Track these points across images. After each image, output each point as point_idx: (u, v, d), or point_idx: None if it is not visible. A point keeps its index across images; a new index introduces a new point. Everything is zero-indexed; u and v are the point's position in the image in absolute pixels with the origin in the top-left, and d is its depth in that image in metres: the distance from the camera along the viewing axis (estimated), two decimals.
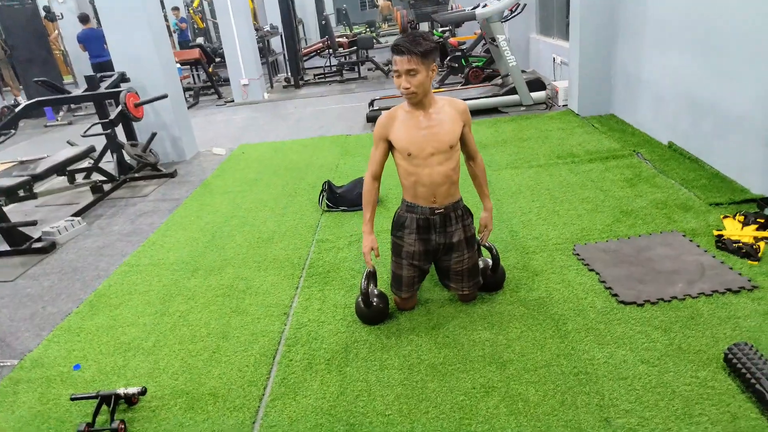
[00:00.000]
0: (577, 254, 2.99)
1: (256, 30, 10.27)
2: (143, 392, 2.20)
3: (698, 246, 2.91)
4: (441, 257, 2.58)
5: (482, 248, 2.71)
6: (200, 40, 13.63)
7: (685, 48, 4.11)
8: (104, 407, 2.18)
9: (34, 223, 3.94)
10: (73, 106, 10.00)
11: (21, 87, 10.35)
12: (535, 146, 4.93)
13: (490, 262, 2.69)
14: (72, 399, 2.24)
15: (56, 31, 12.31)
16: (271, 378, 2.32)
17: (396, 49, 2.22)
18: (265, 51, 10.62)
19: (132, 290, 3.19)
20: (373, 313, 2.55)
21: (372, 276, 2.59)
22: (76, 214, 4.41)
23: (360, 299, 2.55)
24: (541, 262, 2.96)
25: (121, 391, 2.17)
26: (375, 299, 2.55)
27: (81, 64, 11.73)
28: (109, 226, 4.30)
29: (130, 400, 2.21)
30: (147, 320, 2.85)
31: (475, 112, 6.30)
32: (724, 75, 3.67)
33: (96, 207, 4.74)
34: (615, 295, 2.58)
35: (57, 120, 9.44)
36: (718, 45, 3.70)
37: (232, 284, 3.13)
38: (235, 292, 3.04)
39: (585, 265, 2.88)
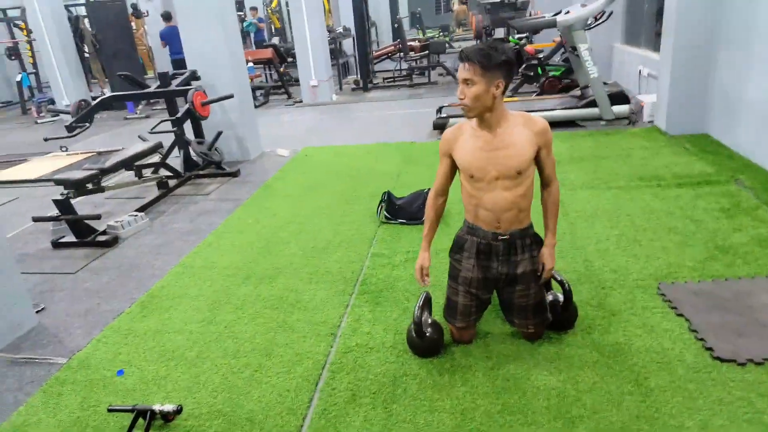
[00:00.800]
0: (663, 294, 2.63)
1: (329, 31, 10.29)
2: (179, 411, 2.09)
3: None
4: (503, 288, 2.32)
5: (553, 281, 2.43)
6: (275, 40, 13.89)
7: None
8: (141, 421, 2.09)
9: (98, 217, 4.00)
10: (152, 100, 10.39)
11: (107, 80, 10.87)
12: (615, 165, 4.53)
13: (560, 297, 2.40)
14: (109, 410, 2.17)
15: (142, 28, 12.88)
16: (311, 407, 2.15)
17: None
18: (336, 52, 10.63)
19: (183, 294, 3.13)
20: (425, 344, 2.33)
21: (427, 303, 2.37)
22: (140, 209, 4.46)
23: (412, 328, 2.33)
24: (620, 301, 2.63)
25: (157, 407, 2.07)
26: (429, 329, 2.33)
27: (163, 60, 12.22)
28: (170, 223, 4.31)
29: (166, 418, 2.11)
30: (194, 328, 2.77)
31: (552, 125, 5.91)
32: None
33: (160, 203, 4.79)
34: (709, 348, 2.22)
35: (136, 113, 9.84)
36: None
37: (282, 296, 3.00)
38: (284, 304, 2.91)
39: (672, 308, 2.52)
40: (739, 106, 4.45)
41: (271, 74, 11.99)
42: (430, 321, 2.36)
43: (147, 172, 5.20)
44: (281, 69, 10.42)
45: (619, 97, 5.77)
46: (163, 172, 5.18)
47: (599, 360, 2.24)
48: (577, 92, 6.28)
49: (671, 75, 5.06)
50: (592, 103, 5.79)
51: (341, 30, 11.61)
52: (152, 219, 4.41)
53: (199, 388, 2.31)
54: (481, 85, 1.99)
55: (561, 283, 2.37)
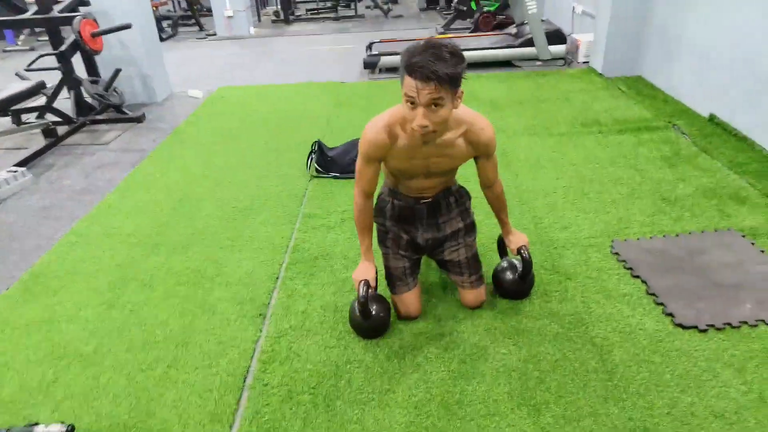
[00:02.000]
0: (617, 253, 2.48)
1: None
2: (70, 431, 1.69)
3: (763, 252, 2.42)
4: (433, 250, 2.13)
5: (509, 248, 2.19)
6: None
7: (750, 4, 3.47)
8: None
9: None
10: (36, 29, 9.00)
11: None
12: (554, 109, 4.34)
13: (517, 264, 2.18)
14: None
15: None
16: (239, 410, 1.82)
17: (415, 69, 1.54)
18: None
19: (77, 269, 2.63)
20: (371, 324, 2.04)
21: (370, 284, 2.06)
22: (21, 164, 3.77)
23: (356, 307, 2.03)
24: (574, 262, 2.45)
25: (41, 429, 1.66)
26: (375, 307, 2.03)
27: None
28: (60, 179, 3.67)
29: None
30: (90, 314, 2.31)
31: (486, 65, 5.64)
32: None
33: (46, 155, 4.08)
34: (670, 314, 2.10)
35: (17, 44, 8.51)
36: None
37: (200, 268, 2.58)
38: (202, 279, 2.50)
39: (627, 269, 2.38)
40: (678, 47, 4.34)
41: (179, 2, 10.75)
42: (375, 295, 2.06)
43: (30, 118, 4.42)
44: None
45: (555, 36, 5.53)
46: (51, 118, 4.42)
47: (559, 333, 2.05)
48: (512, 29, 5.98)
49: (611, 14, 4.84)
50: (529, 42, 5.52)
51: None
52: (37, 175, 3.73)
53: (98, 393, 1.90)
54: (449, 103, 1.62)
55: (519, 251, 2.12)
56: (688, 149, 3.50)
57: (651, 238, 2.58)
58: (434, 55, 1.55)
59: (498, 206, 2.11)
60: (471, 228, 2.14)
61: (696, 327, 2.02)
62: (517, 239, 2.13)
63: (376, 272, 2.02)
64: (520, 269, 2.14)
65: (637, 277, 2.32)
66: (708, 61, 3.93)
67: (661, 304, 2.15)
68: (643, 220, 2.74)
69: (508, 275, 2.20)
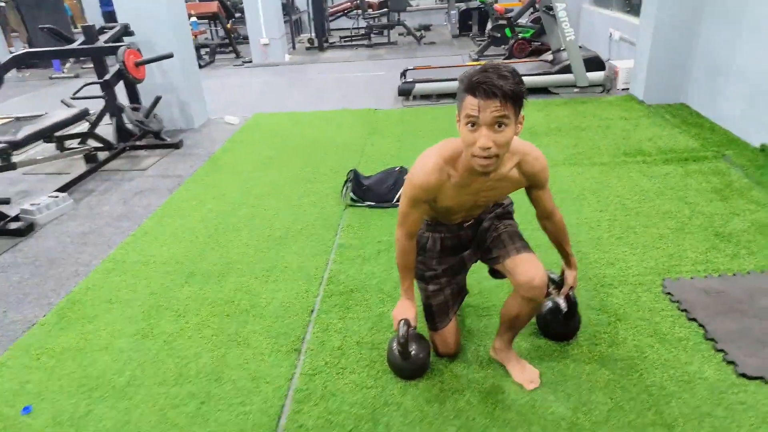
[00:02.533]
0: (669, 293, 2.34)
1: None
2: None
3: None
4: (479, 254, 2.00)
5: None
6: None
7: None
8: None
9: (6, 202, 3.37)
10: (82, 58, 9.36)
11: (28, 33, 9.72)
12: (595, 138, 4.22)
13: (562, 303, 2.04)
14: None
15: None
16: None
17: (477, 86, 1.44)
18: (288, 8, 9.83)
19: (112, 297, 2.62)
20: (410, 365, 1.95)
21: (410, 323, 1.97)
22: (62, 189, 3.84)
23: (395, 347, 1.94)
24: (623, 301, 2.32)
25: None
26: (414, 347, 1.94)
27: (97, 12, 11.05)
28: (99, 205, 3.72)
29: None
30: (125, 344, 2.29)
31: None
32: None
33: (87, 180, 4.16)
34: (732, 362, 1.94)
35: (63, 72, 8.85)
36: None
37: (234, 299, 2.54)
38: (236, 311, 2.46)
39: (682, 311, 2.23)
40: (725, 76, 4.19)
41: (216, 31, 11.07)
42: (414, 335, 1.97)
43: (73, 144, 4.53)
44: (228, 25, 9.56)
45: (593, 63, 5.44)
46: (92, 144, 4.52)
47: (611, 380, 1.92)
48: (548, 56, 5.91)
49: (652, 40, 4.73)
50: (566, 69, 5.44)
51: None
52: (77, 200, 3.80)
53: (130, 430, 1.86)
54: (513, 125, 1.51)
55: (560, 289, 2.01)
56: (739, 181, 3.33)
57: (706, 277, 2.43)
58: (496, 73, 1.46)
59: (560, 237, 1.95)
60: (508, 214, 2.00)
61: (762, 378, 1.87)
62: (572, 276, 2.00)
63: (416, 312, 1.94)
64: (564, 309, 2.01)
65: (694, 320, 2.17)
66: (759, 89, 3.77)
67: (722, 350, 2.00)
68: (695, 258, 2.59)
69: (553, 315, 2.07)
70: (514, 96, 1.45)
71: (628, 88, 5.42)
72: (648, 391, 1.86)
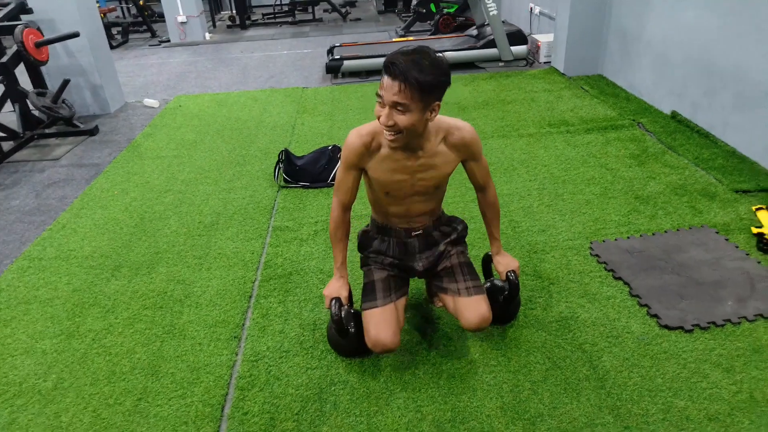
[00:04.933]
0: (597, 255, 2.47)
1: None
2: None
3: (737, 247, 2.45)
4: (427, 274, 1.98)
5: (494, 269, 2.10)
6: None
7: (704, 3, 3.55)
8: None
9: None
10: None
11: None
12: (521, 110, 4.34)
13: (501, 285, 2.01)
14: None
15: None
16: None
17: (388, 67, 1.51)
18: None
19: (30, 297, 2.44)
20: (351, 342, 1.94)
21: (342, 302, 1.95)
22: None
23: (332, 326, 1.92)
24: (555, 266, 2.42)
25: None
26: (353, 324, 1.93)
27: None
28: (7, 200, 3.43)
29: None
30: (48, 345, 2.14)
31: (450, 66, 5.61)
32: (751, 39, 3.15)
33: None
34: (655, 315, 2.08)
35: None
36: (746, 2, 3.16)
37: (166, 290, 2.43)
38: (169, 301, 2.35)
39: (609, 270, 2.36)
40: (637, 47, 4.41)
41: (128, 8, 10.38)
42: (351, 312, 1.95)
43: None
44: (141, 2, 8.98)
45: (517, 37, 5.56)
46: None
47: (547, 340, 2.01)
48: (473, 31, 5.99)
49: (570, 15, 4.90)
50: (491, 43, 5.54)
51: None
52: None
53: None
54: (417, 112, 1.53)
55: (507, 274, 1.97)
56: (654, 147, 3.55)
57: (628, 238, 2.58)
58: (412, 61, 1.49)
59: (490, 215, 1.98)
60: (461, 239, 2.01)
61: (682, 328, 2.01)
62: (506, 261, 1.97)
63: (350, 290, 1.93)
64: (506, 289, 1.99)
65: (619, 278, 2.30)
66: (666, 60, 4.01)
67: (646, 305, 2.14)
68: (618, 220, 2.74)
69: (495, 298, 2.00)
70: (420, 86, 1.49)
71: (549, 62, 5.61)
72: (581, 348, 1.96)
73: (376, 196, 1.85)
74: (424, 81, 1.49)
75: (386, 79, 1.52)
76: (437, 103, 1.58)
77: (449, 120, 1.76)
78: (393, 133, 1.58)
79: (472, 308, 1.81)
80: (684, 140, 3.58)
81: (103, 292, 2.44)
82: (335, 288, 1.88)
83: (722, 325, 2.01)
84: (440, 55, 1.56)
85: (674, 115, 3.92)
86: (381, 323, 1.80)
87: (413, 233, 1.91)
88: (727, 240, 2.51)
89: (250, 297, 2.36)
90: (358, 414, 1.75)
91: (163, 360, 2.03)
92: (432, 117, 1.61)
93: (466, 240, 2.05)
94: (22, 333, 2.21)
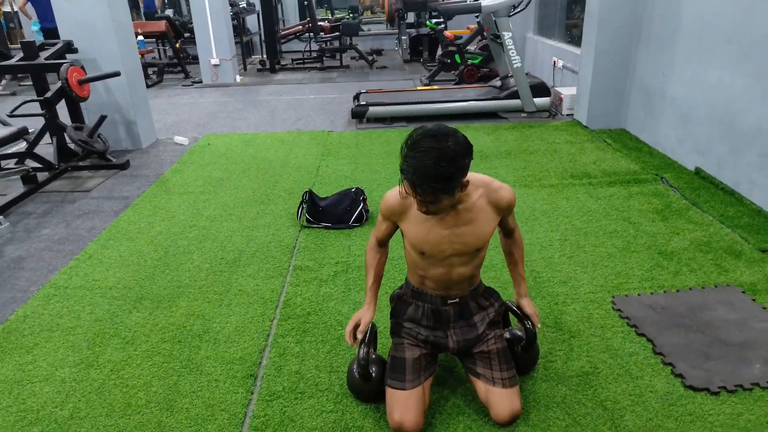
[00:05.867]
0: (619, 310, 2.43)
1: (231, 5, 9.42)
2: None
3: (764, 308, 2.39)
4: (462, 354, 1.93)
5: (512, 316, 2.09)
6: (169, 12, 12.64)
7: (727, 64, 3.60)
8: None
9: None
10: (20, 75, 8.95)
11: None
12: (543, 161, 4.38)
13: (519, 334, 2.01)
14: None
15: None
16: None
17: (404, 173, 1.52)
18: (239, 29, 9.78)
19: (53, 325, 2.47)
20: (371, 387, 1.92)
21: (371, 336, 1.96)
22: None
23: (355, 368, 1.92)
24: (576, 319, 2.39)
25: None
26: (374, 369, 1.92)
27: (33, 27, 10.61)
28: (38, 228, 3.53)
29: None
30: (67, 374, 2.15)
31: (472, 116, 5.73)
32: None
33: (25, 202, 3.94)
34: (679, 375, 2.03)
35: None
36: None
37: (185, 324, 2.45)
38: (188, 336, 2.37)
39: (631, 326, 2.32)
40: (661, 103, 4.46)
41: (165, 50, 10.86)
42: (374, 357, 1.95)
43: (9, 164, 4.29)
44: (177, 45, 9.39)
45: (540, 89, 5.66)
46: (31, 164, 4.29)
47: (567, 395, 1.96)
48: (497, 82, 6.12)
49: (593, 69, 5.00)
50: (514, 94, 5.64)
51: (245, 5, 10.71)
52: (14, 223, 3.59)
53: None
54: (446, 199, 1.56)
55: (523, 320, 1.97)
56: (678, 203, 3.53)
57: (652, 293, 2.54)
58: (428, 168, 1.46)
59: (517, 254, 1.98)
60: (499, 321, 1.97)
61: (708, 389, 1.95)
62: (530, 304, 1.99)
63: (372, 319, 1.90)
64: (523, 338, 1.97)
65: (642, 335, 2.26)
66: (690, 117, 4.04)
67: (670, 364, 2.09)
68: (641, 275, 2.71)
69: (512, 348, 1.97)
70: (440, 190, 1.50)
71: (572, 114, 5.68)
72: (603, 405, 1.91)
73: (412, 257, 1.83)
74: (446, 187, 1.50)
75: (408, 186, 1.53)
76: (466, 180, 1.58)
77: (486, 178, 1.76)
78: (428, 213, 1.63)
79: (506, 402, 1.78)
80: (708, 197, 3.56)
81: (124, 323, 2.47)
82: (360, 312, 1.89)
83: (750, 389, 1.95)
84: (454, 134, 1.52)
85: (698, 172, 3.92)
86: (406, 407, 1.76)
87: (449, 301, 1.86)
88: (754, 300, 2.45)
89: (268, 335, 2.36)
90: None
91: (179, 395, 2.02)
92: (464, 190, 1.61)
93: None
94: (43, 360, 2.24)
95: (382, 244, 1.94)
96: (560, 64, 6.71)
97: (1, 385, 2.10)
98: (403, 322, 1.93)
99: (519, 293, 2.02)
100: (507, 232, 1.96)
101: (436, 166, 1.46)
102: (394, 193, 1.75)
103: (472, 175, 1.68)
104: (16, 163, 4.30)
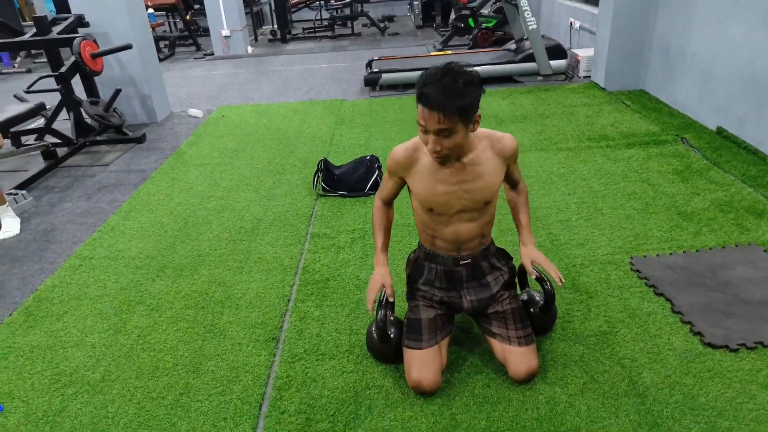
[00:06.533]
0: (637, 270, 2.43)
1: None
2: None
3: None
4: (477, 314, 1.95)
5: (529, 278, 2.09)
6: None
7: (749, 18, 3.48)
8: None
9: None
10: (33, 51, 9.00)
11: None
12: (560, 124, 4.32)
13: (537, 297, 2.03)
14: None
15: None
16: None
17: (423, 98, 1.53)
18: (249, 0, 9.66)
19: (81, 294, 2.55)
20: (390, 348, 1.96)
21: (389, 302, 1.98)
22: (21, 186, 3.70)
23: (374, 330, 1.95)
24: (594, 280, 2.39)
25: None
26: (393, 330, 1.95)
27: (44, 5, 10.60)
28: (61, 202, 3.60)
29: None
30: (97, 339, 2.23)
31: (487, 80, 5.63)
32: None
33: (47, 177, 4.01)
34: (698, 333, 2.03)
35: (14, 66, 8.48)
36: None
37: (207, 291, 2.50)
38: (210, 302, 2.42)
39: (650, 286, 2.32)
40: (681, 62, 4.34)
41: (175, 23, 10.79)
42: (393, 319, 1.98)
43: (29, 140, 4.36)
44: (187, 17, 9.33)
45: (556, 51, 5.54)
46: (50, 140, 4.35)
47: (585, 354, 1.98)
48: (512, 45, 6.00)
49: (611, 29, 4.86)
50: (530, 57, 5.53)
51: None
52: (37, 198, 3.66)
53: (108, 423, 1.82)
54: (462, 131, 1.57)
55: (541, 281, 1.94)
56: (698, 163, 3.47)
57: (671, 254, 2.53)
58: (445, 88, 1.51)
59: (522, 201, 1.95)
60: (512, 281, 1.98)
61: (727, 347, 1.96)
62: (531, 252, 1.90)
63: (392, 279, 1.92)
64: (542, 302, 1.99)
65: (661, 294, 2.26)
66: (712, 75, 3.93)
67: (689, 322, 2.09)
68: (660, 236, 2.69)
69: (529, 309, 2.01)
70: (460, 111, 1.51)
71: (589, 76, 5.56)
72: (621, 363, 1.93)
73: (421, 217, 1.84)
74: (462, 106, 1.51)
75: (424, 110, 1.54)
76: (478, 114, 1.60)
77: (487, 131, 1.78)
78: (441, 156, 1.62)
79: (523, 360, 1.81)
80: (730, 156, 3.49)
81: (148, 291, 2.54)
82: (378, 277, 1.87)
83: None
84: (469, 69, 1.57)
85: (720, 131, 3.83)
86: (424, 365, 1.80)
87: (461, 262, 1.87)
88: None
89: (288, 301, 2.41)
90: (393, 418, 1.77)
91: (204, 358, 2.09)
92: (475, 128, 1.63)
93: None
94: (73, 327, 2.31)
95: (388, 203, 1.95)
96: (577, 24, 6.54)
97: (35, 351, 2.18)
98: (418, 285, 1.95)
99: (522, 241, 1.95)
100: (512, 183, 1.95)
101: (461, 85, 1.51)
102: (402, 147, 1.76)
103: (479, 130, 1.70)
104: (35, 139, 4.36)
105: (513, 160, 1.82)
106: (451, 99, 1.50)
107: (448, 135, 1.56)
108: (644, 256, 2.53)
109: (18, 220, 3.24)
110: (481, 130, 1.73)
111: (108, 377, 2.02)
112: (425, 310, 1.90)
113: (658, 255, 2.53)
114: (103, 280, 2.65)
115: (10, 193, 3.47)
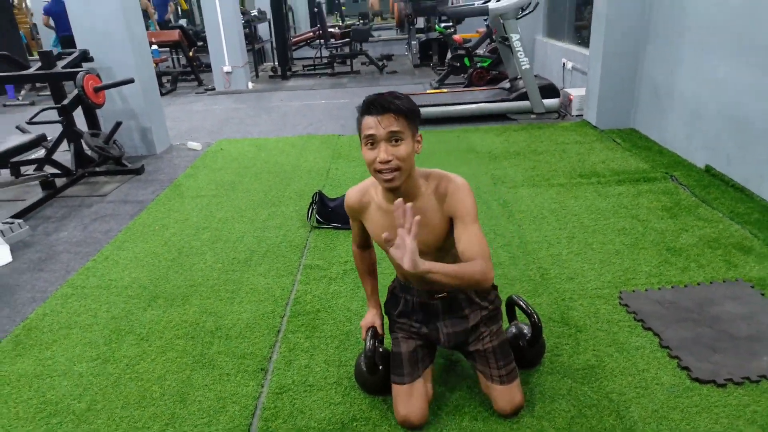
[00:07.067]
0: (626, 305, 2.44)
1: (243, 14, 9.57)
2: None
3: None
4: (454, 347, 1.95)
5: (518, 310, 2.09)
6: (182, 21, 12.87)
7: (735, 58, 3.60)
8: None
9: None
10: (38, 84, 9.18)
11: None
12: (552, 161, 4.39)
13: (525, 330, 2.03)
14: None
15: (24, 2, 11.40)
16: None
17: (370, 107, 1.56)
18: (251, 37, 9.92)
19: (71, 323, 2.55)
20: (378, 380, 1.96)
21: (377, 333, 1.99)
22: (18, 215, 3.73)
23: (362, 361, 1.95)
24: (583, 314, 2.40)
25: None
26: (381, 362, 1.95)
27: (51, 38, 10.88)
28: (57, 231, 3.62)
29: None
30: (84, 368, 2.22)
31: (482, 118, 5.75)
32: None
33: (44, 206, 4.05)
34: (686, 368, 2.03)
35: (18, 99, 8.63)
36: None
37: (198, 321, 2.51)
38: (200, 333, 2.42)
39: (638, 321, 2.33)
40: (669, 101, 4.45)
41: (178, 59, 11.04)
42: (381, 351, 1.99)
43: (29, 170, 4.41)
44: (190, 53, 9.56)
45: (549, 91, 5.68)
46: (50, 170, 4.41)
47: (573, 387, 1.98)
48: (506, 84, 6.14)
49: (602, 70, 5.00)
50: (523, 96, 5.66)
51: (256, 13, 10.86)
52: (33, 227, 3.69)
53: None
54: (409, 140, 1.59)
55: (529, 315, 1.97)
56: (687, 200, 3.52)
57: (660, 289, 2.55)
58: (389, 94, 1.60)
59: (462, 269, 1.56)
60: (496, 315, 1.92)
61: (714, 381, 1.96)
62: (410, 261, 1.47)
63: (383, 321, 1.97)
64: (528, 334, 1.99)
65: (649, 329, 2.27)
66: (700, 114, 4.03)
67: (676, 357, 2.09)
68: (649, 271, 2.71)
69: (518, 343, 2.00)
70: (408, 112, 1.58)
71: (581, 115, 5.68)
72: (608, 397, 1.93)
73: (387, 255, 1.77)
74: (408, 108, 1.58)
75: (372, 118, 1.56)
76: (420, 134, 1.65)
77: (441, 172, 1.72)
78: (391, 170, 1.56)
79: (506, 398, 1.82)
80: (718, 194, 3.55)
81: (139, 320, 2.54)
82: (369, 319, 1.96)
83: (757, 381, 1.95)
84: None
85: (708, 169, 3.90)
86: (409, 401, 1.80)
87: (436, 296, 1.84)
88: (763, 295, 2.45)
89: (279, 331, 2.41)
90: None
91: (192, 388, 2.08)
92: (418, 149, 1.64)
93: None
94: (61, 356, 2.31)
95: (363, 246, 1.97)
96: (569, 65, 6.72)
97: (22, 379, 2.17)
98: (396, 318, 1.95)
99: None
100: (463, 253, 1.60)
101: (405, 97, 1.60)
102: (354, 191, 1.80)
103: (429, 170, 1.72)
104: (35, 169, 4.42)
105: (453, 207, 1.64)
106: (396, 100, 1.57)
107: (399, 140, 1.56)
108: (633, 291, 2.54)
109: (7, 247, 3.25)
110: (435, 171, 1.72)
111: (94, 407, 2.01)
112: (405, 343, 1.89)
113: (646, 290, 2.55)
114: (95, 309, 2.65)
115: (6, 222, 3.49)
